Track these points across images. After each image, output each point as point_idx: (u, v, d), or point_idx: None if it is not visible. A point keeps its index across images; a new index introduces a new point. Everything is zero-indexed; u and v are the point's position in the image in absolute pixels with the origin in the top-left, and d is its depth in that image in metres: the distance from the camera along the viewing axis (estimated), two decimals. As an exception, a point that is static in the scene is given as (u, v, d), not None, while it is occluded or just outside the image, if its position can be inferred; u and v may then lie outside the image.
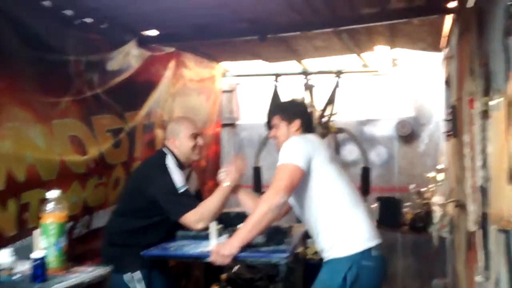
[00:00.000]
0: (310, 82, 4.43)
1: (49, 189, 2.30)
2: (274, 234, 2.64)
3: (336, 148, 4.43)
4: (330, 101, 4.36)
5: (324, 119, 4.31)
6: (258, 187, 4.36)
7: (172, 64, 4.11)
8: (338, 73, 4.38)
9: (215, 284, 4.33)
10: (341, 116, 4.46)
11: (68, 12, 2.98)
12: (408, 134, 4.87)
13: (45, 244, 2.20)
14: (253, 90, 5.43)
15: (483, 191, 2.01)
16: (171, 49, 4.05)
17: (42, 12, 2.81)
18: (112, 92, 3.34)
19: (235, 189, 2.85)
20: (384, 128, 4.99)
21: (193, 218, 2.71)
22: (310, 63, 4.75)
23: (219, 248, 2.42)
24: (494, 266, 1.84)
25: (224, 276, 4.34)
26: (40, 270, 2.03)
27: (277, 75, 4.54)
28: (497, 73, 1.71)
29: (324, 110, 4.33)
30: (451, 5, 2.99)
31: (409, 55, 4.54)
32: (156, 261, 2.71)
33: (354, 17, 3.29)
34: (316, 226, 2.46)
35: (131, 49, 3.54)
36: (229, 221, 2.91)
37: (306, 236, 3.06)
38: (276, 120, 2.69)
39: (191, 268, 4.28)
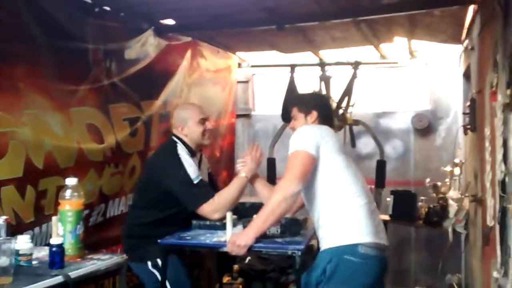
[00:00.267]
0: (327, 74, 4.39)
1: (66, 176, 2.31)
2: (290, 225, 2.63)
3: (352, 140, 4.39)
4: (347, 93, 4.32)
5: (340, 111, 4.27)
6: (272, 178, 4.34)
7: (188, 54, 4.10)
8: (356, 64, 4.34)
9: (227, 275, 4.34)
10: (357, 108, 4.42)
11: (88, 0, 2.99)
12: (425, 127, 4.83)
13: (62, 231, 2.21)
14: (269, 81, 5.41)
15: (503, 186, 1.98)
16: (188, 39, 4.05)
17: (62, 0, 2.82)
18: (129, 81, 3.34)
19: (252, 178, 2.84)
20: (400, 121, 4.96)
21: (210, 208, 2.71)
22: (326, 54, 4.71)
23: (235, 238, 2.41)
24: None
25: (236, 267, 4.35)
26: (58, 256, 2.04)
27: (293, 66, 4.51)
28: (522, 65, 1.68)
29: (340, 101, 4.30)
30: (475, -5, 2.95)
31: (427, 47, 4.48)
32: (173, 250, 2.72)
33: (374, 7, 3.26)
34: (318, 218, 2.43)
35: (149, 38, 3.55)
36: (244, 211, 2.90)
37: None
38: (294, 111, 2.68)
39: (203, 259, 4.30)
